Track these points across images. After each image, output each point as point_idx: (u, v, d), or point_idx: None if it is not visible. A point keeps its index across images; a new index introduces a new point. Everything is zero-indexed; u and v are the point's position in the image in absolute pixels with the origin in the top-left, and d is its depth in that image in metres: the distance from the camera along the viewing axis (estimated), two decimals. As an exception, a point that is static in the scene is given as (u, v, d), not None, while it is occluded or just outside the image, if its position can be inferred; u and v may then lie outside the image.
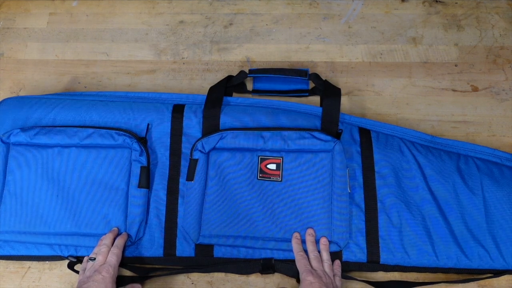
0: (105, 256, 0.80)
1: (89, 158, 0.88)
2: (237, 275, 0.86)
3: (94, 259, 0.80)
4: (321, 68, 1.05)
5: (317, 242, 0.83)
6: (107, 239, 0.82)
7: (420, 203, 0.85)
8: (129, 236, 0.84)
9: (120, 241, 0.82)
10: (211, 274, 0.86)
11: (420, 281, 0.84)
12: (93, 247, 0.83)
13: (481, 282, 0.84)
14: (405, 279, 0.85)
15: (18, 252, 0.85)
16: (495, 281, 0.84)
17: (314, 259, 0.80)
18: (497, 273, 0.83)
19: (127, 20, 1.13)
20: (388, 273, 0.85)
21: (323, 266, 0.80)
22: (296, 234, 0.83)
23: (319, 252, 0.82)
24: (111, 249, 0.81)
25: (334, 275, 0.80)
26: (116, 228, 0.85)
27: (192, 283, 0.86)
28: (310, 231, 0.83)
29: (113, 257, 0.79)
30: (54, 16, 1.14)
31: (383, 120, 0.98)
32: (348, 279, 0.83)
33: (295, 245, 0.82)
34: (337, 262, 0.83)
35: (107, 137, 0.88)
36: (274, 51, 1.07)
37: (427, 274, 0.85)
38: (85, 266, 0.81)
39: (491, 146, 0.95)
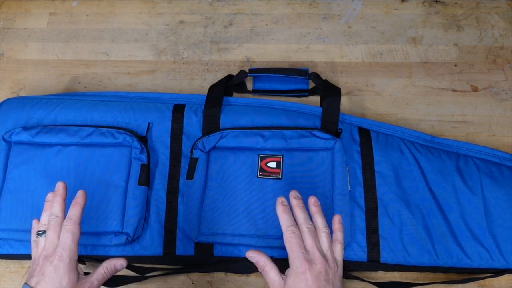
0: (57, 231, 0.61)
1: (89, 157, 0.88)
2: (237, 275, 0.86)
3: (43, 232, 0.62)
4: (321, 68, 1.05)
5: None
6: (55, 207, 0.62)
7: (420, 203, 0.85)
8: (126, 233, 0.83)
9: (74, 212, 0.62)
10: (211, 274, 0.86)
11: (420, 281, 0.84)
12: (91, 245, 0.82)
13: (481, 282, 0.84)
14: (405, 280, 0.85)
15: (17, 251, 0.85)
16: (495, 281, 0.84)
17: (308, 233, 0.62)
18: (498, 272, 0.83)
19: (127, 20, 1.13)
20: (388, 273, 0.85)
21: (319, 241, 0.62)
22: (281, 199, 0.65)
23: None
24: (64, 223, 0.61)
25: (334, 241, 0.64)
26: (61, 187, 0.64)
27: (192, 283, 0.86)
28: (296, 195, 0.65)
29: (68, 236, 0.60)
30: (54, 16, 1.14)
31: (383, 120, 0.98)
32: (350, 279, 0.83)
33: (283, 215, 0.63)
34: (336, 218, 0.66)
35: (108, 136, 0.88)
36: (274, 51, 1.08)
37: (427, 274, 0.85)
38: (34, 238, 0.66)
39: (491, 146, 0.95)
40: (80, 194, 0.65)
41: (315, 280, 0.58)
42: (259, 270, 0.66)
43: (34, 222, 0.66)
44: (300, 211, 0.64)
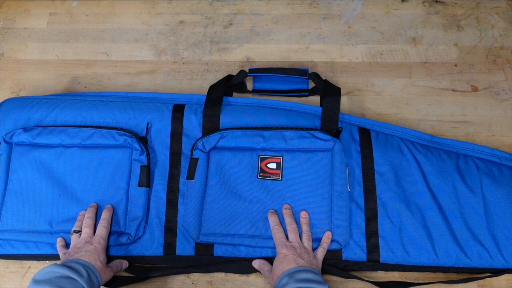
0: (92, 228, 0.81)
1: (90, 158, 0.88)
2: (237, 275, 0.86)
3: (79, 231, 0.81)
4: (321, 68, 1.05)
5: (316, 240, 0.83)
6: (90, 213, 0.83)
7: (420, 202, 0.86)
8: (128, 234, 0.84)
9: (107, 214, 0.83)
10: (211, 274, 0.86)
11: (420, 281, 0.84)
12: None
13: (481, 281, 0.84)
14: (405, 279, 0.85)
15: (19, 251, 0.85)
16: (495, 280, 0.84)
17: (291, 231, 0.81)
18: (497, 272, 0.83)
19: (127, 20, 1.13)
20: (388, 273, 0.85)
21: (301, 237, 0.81)
22: (272, 210, 0.84)
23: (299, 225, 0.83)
24: (100, 222, 0.82)
25: (319, 246, 0.81)
26: (95, 204, 0.86)
27: (192, 283, 0.86)
28: (287, 207, 0.84)
29: (104, 230, 0.81)
30: (54, 16, 1.14)
31: (383, 120, 0.98)
32: (350, 278, 0.83)
33: (272, 218, 0.83)
34: (327, 233, 0.82)
35: (108, 137, 0.88)
36: (274, 51, 1.08)
37: (427, 274, 0.85)
38: (63, 243, 0.83)
39: (490, 146, 0.95)
40: (109, 206, 0.86)
41: (290, 251, 0.77)
42: (258, 269, 0.83)
43: (60, 238, 0.85)
44: (287, 216, 0.83)
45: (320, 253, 0.80)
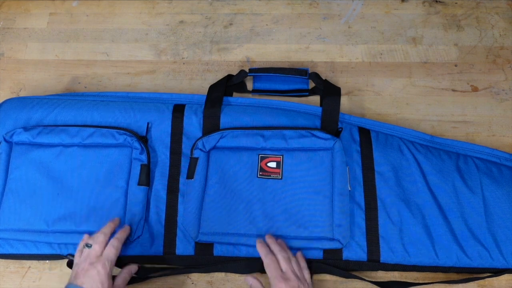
0: (102, 246, 0.75)
1: (90, 157, 0.88)
2: (237, 275, 0.86)
3: (91, 246, 0.75)
4: (321, 68, 1.05)
5: (314, 239, 0.82)
6: (107, 228, 0.78)
7: (420, 202, 0.86)
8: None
9: (122, 234, 0.79)
10: (211, 274, 0.86)
11: (420, 281, 0.84)
12: None
13: (481, 281, 0.84)
14: (405, 279, 0.85)
15: (17, 250, 0.85)
16: (495, 280, 0.84)
17: (283, 259, 0.77)
18: (497, 272, 0.83)
19: (127, 20, 1.13)
20: (388, 272, 0.85)
21: (292, 265, 0.77)
22: (259, 239, 0.82)
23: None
24: (111, 241, 0.77)
25: (302, 268, 0.78)
26: (117, 218, 0.82)
27: (192, 283, 0.86)
28: (269, 236, 0.82)
29: (112, 250, 0.75)
30: (54, 16, 1.14)
31: (383, 120, 0.98)
32: (349, 278, 0.83)
33: (261, 248, 0.79)
34: (299, 253, 0.81)
35: (108, 136, 0.88)
36: (274, 51, 1.08)
37: (427, 273, 0.85)
38: (80, 248, 0.78)
39: (490, 146, 0.95)
40: (127, 226, 0.82)
41: (287, 286, 0.72)
42: None
43: (86, 236, 0.79)
44: (275, 246, 0.80)
45: (308, 275, 0.78)
